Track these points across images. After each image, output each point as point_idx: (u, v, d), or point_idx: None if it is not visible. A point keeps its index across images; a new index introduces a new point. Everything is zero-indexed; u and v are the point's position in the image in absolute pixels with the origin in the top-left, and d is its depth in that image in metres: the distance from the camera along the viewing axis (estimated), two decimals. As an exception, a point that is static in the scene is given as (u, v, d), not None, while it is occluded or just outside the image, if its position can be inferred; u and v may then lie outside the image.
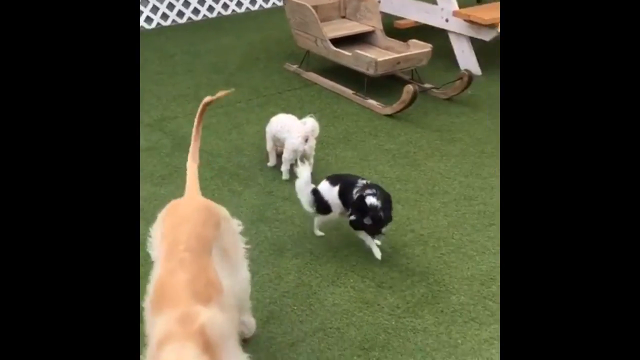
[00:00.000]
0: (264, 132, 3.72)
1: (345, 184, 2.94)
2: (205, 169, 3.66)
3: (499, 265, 2.93)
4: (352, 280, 2.83)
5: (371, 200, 2.78)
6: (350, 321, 2.61)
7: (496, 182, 3.60)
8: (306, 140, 3.46)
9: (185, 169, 2.29)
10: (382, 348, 2.48)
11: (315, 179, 3.06)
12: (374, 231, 2.87)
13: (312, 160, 3.59)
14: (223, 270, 2.01)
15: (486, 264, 2.93)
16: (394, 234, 3.09)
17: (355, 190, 2.87)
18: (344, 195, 2.93)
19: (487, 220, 3.26)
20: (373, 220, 2.79)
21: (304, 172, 3.01)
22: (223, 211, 2.21)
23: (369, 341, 2.52)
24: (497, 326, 2.58)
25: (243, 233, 2.31)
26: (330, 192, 2.97)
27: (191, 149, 2.29)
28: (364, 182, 2.90)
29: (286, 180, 3.55)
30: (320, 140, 3.85)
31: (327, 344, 2.50)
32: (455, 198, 3.46)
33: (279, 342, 2.51)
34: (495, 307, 2.68)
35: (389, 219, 2.84)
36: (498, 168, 3.74)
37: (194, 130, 2.32)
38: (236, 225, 2.30)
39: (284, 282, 2.82)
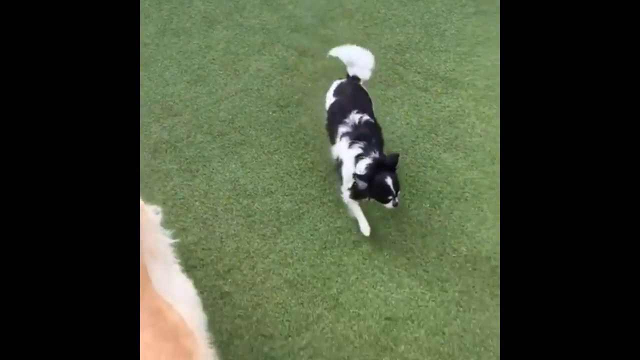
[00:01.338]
0: None
1: (341, 106, 2.39)
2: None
3: (416, 35, 3.11)
4: (276, 49, 3.04)
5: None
6: (270, 84, 2.88)
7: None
8: None
9: None
10: (296, 105, 2.78)
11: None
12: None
13: None
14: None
15: (404, 35, 3.11)
16: (321, 9, 3.22)
17: (342, 126, 2.32)
18: (332, 119, 2.40)
19: (415, -4, 3.36)
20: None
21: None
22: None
23: (285, 99, 2.80)
24: (403, 87, 2.85)
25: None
26: (329, 99, 2.48)
27: None
28: (358, 117, 2.32)
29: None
30: None
31: (247, 102, 2.79)
32: (389, -25, 3.51)
33: (204, 100, 2.79)
34: (403, 71, 2.92)
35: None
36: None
37: None
38: (154, 213, 1.65)
39: (213, 50, 3.03)
